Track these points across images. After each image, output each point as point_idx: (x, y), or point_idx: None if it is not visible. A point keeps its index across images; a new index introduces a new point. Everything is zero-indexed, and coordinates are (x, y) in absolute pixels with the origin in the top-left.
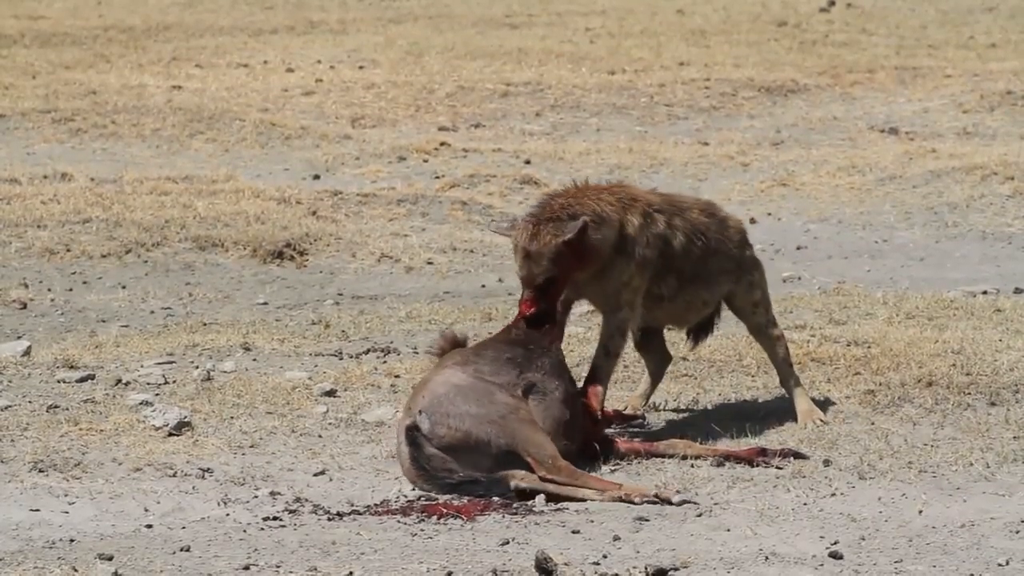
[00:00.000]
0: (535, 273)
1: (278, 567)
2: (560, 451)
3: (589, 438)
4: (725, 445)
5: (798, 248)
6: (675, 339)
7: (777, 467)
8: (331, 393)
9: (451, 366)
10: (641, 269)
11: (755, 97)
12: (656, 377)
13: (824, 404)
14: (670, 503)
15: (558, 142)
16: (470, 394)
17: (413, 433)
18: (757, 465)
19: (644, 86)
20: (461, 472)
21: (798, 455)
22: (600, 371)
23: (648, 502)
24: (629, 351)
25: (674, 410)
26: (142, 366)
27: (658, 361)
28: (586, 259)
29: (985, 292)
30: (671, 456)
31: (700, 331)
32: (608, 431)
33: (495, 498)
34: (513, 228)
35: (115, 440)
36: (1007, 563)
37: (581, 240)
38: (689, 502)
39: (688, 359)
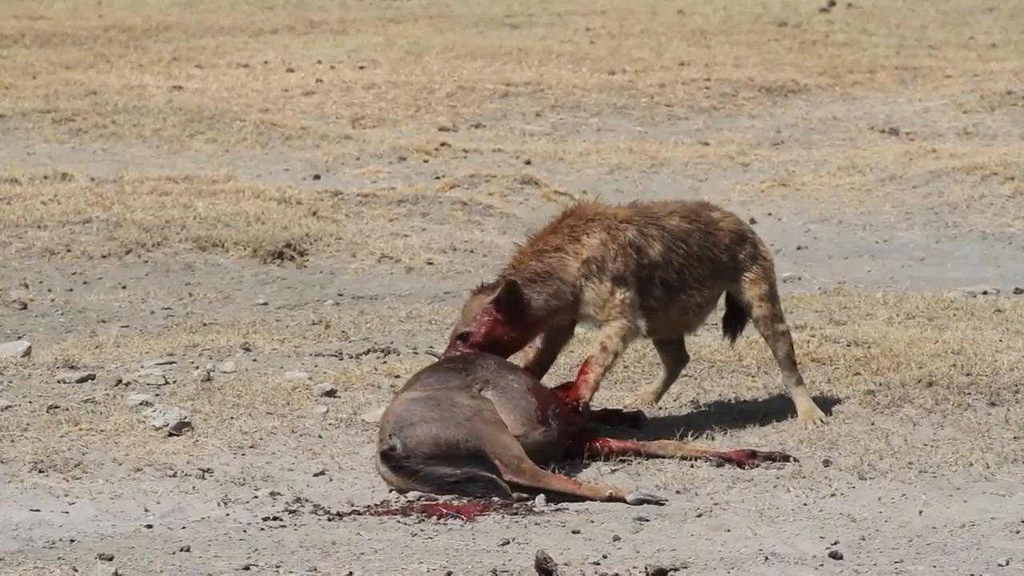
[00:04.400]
0: (458, 327)
1: (278, 567)
2: (541, 439)
3: (572, 427)
4: (719, 446)
5: (798, 248)
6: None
7: (766, 469)
8: (331, 393)
9: (401, 394)
10: (619, 282)
11: (755, 97)
12: (671, 376)
13: (824, 404)
14: (624, 501)
15: (558, 142)
16: (430, 402)
17: (390, 457)
18: (745, 467)
19: (644, 86)
20: (459, 471)
21: (787, 458)
22: (593, 362)
23: (604, 500)
24: (631, 351)
25: (675, 410)
26: (142, 366)
27: (675, 361)
28: (531, 317)
29: (985, 292)
30: (662, 456)
31: (736, 325)
32: (590, 425)
33: (495, 498)
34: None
35: (115, 440)
36: (1007, 563)
37: (514, 300)
38: (647, 501)
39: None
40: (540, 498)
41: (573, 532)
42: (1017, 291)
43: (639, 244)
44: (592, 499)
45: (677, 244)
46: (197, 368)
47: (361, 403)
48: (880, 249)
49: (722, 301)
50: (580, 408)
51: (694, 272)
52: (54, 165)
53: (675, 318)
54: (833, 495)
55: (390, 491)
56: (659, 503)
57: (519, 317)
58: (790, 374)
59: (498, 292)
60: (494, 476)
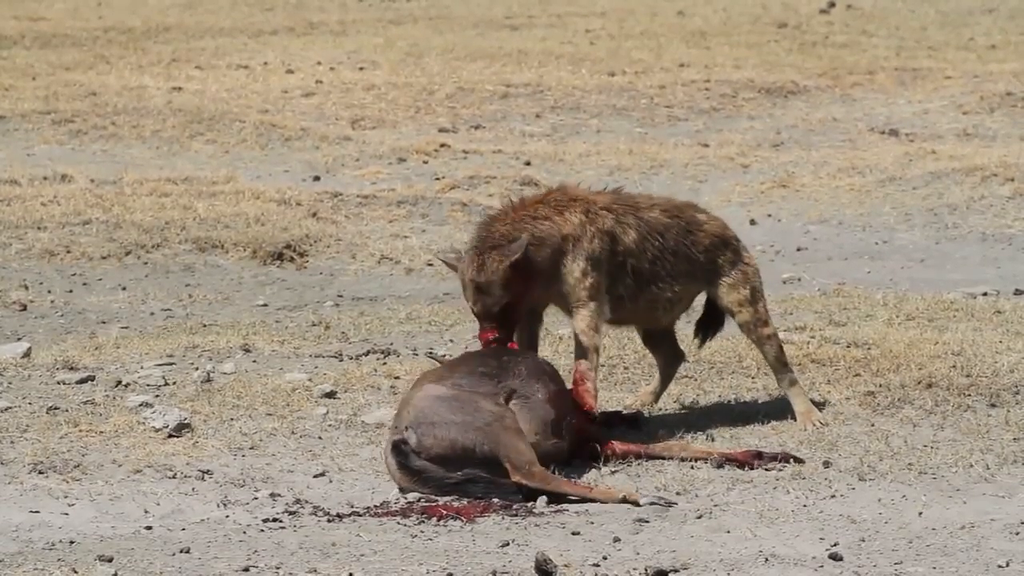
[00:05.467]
0: (488, 304)
1: (278, 569)
2: (551, 450)
3: (582, 435)
4: (722, 447)
5: (798, 249)
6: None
7: (770, 470)
8: (331, 395)
9: (429, 382)
10: (592, 264)
11: (755, 98)
12: (666, 376)
13: (824, 405)
14: (637, 505)
15: (558, 144)
16: (454, 403)
17: (401, 448)
18: (752, 468)
19: (644, 88)
20: (460, 473)
21: (793, 459)
22: (585, 371)
23: (617, 502)
24: (631, 352)
25: (674, 411)
26: (142, 367)
27: (669, 360)
28: (535, 276)
29: (985, 294)
30: (666, 458)
31: (707, 330)
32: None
33: (495, 499)
34: (460, 261)
35: (115, 442)
36: (1007, 565)
37: (526, 259)
38: (657, 503)
39: (688, 360)
40: (541, 499)
41: (573, 534)
42: (1017, 292)
43: (614, 231)
44: (604, 502)
45: (653, 236)
46: (197, 369)
47: (361, 404)
48: (880, 250)
49: (701, 304)
50: (596, 418)
51: (667, 267)
52: (54, 166)
53: (643, 311)
54: (833, 496)
55: (391, 492)
56: (669, 505)
57: (531, 274)
58: (784, 376)
59: (519, 251)
60: (497, 476)
